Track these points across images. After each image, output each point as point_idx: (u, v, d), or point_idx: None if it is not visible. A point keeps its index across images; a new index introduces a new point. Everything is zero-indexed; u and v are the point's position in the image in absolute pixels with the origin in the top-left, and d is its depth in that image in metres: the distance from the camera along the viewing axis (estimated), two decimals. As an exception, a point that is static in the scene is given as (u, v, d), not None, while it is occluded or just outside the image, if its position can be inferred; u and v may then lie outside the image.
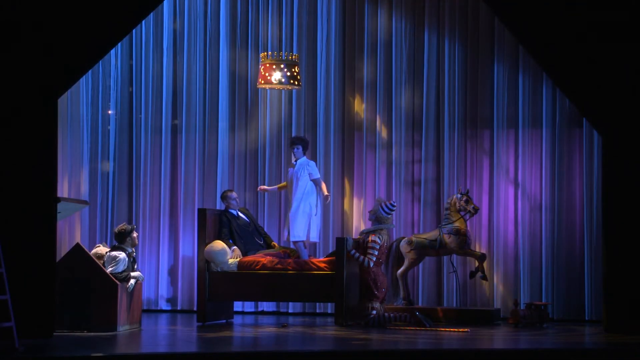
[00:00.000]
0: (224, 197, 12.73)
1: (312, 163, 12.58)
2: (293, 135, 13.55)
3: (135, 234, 11.38)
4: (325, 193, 12.45)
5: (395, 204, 12.34)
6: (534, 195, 13.26)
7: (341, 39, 13.85)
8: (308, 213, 12.34)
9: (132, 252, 11.34)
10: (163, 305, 14.05)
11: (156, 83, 14.20)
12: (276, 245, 12.87)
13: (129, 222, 13.58)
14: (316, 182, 12.47)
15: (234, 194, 12.71)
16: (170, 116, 14.20)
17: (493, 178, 13.36)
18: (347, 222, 13.74)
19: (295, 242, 12.37)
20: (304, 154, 12.52)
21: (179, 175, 14.13)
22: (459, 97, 13.46)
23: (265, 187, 13.15)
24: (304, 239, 12.32)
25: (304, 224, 12.30)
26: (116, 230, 11.39)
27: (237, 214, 12.63)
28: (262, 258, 12.19)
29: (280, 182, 13.32)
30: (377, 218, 12.21)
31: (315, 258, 12.55)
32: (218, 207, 13.39)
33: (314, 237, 12.43)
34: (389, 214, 12.23)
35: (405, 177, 13.60)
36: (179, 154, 14.15)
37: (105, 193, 14.18)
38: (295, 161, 12.48)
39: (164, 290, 14.07)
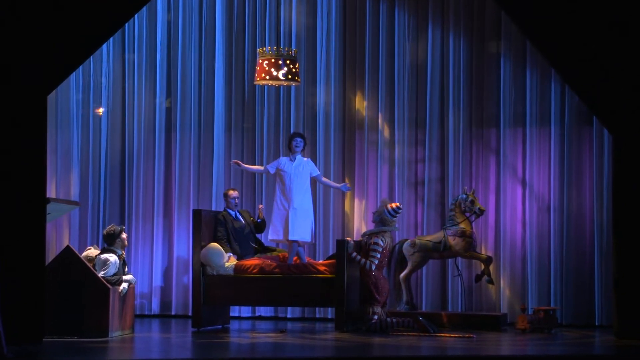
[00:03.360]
0: (224, 195, 12.67)
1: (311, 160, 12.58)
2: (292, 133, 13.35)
3: (124, 235, 11.38)
4: (337, 185, 12.49)
5: (402, 208, 12.33)
6: (542, 195, 13.20)
7: (342, 34, 13.82)
8: (309, 212, 12.22)
9: (122, 254, 11.32)
10: (156, 310, 13.98)
11: (149, 80, 14.14)
12: (276, 248, 12.72)
13: (121, 223, 13.48)
14: (318, 179, 12.39)
15: (234, 194, 12.61)
16: (164, 113, 14.16)
17: (500, 178, 13.32)
18: (348, 224, 13.71)
19: (297, 242, 12.17)
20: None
21: (173, 175, 14.11)
22: (464, 94, 13.46)
23: (240, 162, 12.82)
24: (304, 239, 12.15)
25: (306, 223, 12.13)
26: (105, 232, 11.39)
27: (236, 215, 12.49)
28: (259, 261, 12.10)
29: (256, 165, 13.28)
30: (382, 220, 12.17)
31: (314, 261, 12.45)
32: (214, 208, 13.42)
33: (311, 237, 12.28)
34: (395, 217, 12.13)
35: (409, 177, 13.58)
36: (173, 153, 14.12)
37: (97, 194, 14.18)
38: (294, 155, 12.26)
39: (157, 295, 14.01)
